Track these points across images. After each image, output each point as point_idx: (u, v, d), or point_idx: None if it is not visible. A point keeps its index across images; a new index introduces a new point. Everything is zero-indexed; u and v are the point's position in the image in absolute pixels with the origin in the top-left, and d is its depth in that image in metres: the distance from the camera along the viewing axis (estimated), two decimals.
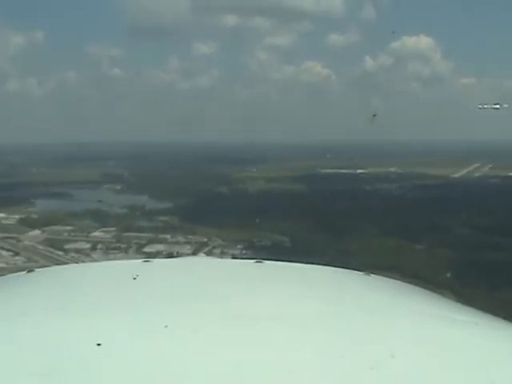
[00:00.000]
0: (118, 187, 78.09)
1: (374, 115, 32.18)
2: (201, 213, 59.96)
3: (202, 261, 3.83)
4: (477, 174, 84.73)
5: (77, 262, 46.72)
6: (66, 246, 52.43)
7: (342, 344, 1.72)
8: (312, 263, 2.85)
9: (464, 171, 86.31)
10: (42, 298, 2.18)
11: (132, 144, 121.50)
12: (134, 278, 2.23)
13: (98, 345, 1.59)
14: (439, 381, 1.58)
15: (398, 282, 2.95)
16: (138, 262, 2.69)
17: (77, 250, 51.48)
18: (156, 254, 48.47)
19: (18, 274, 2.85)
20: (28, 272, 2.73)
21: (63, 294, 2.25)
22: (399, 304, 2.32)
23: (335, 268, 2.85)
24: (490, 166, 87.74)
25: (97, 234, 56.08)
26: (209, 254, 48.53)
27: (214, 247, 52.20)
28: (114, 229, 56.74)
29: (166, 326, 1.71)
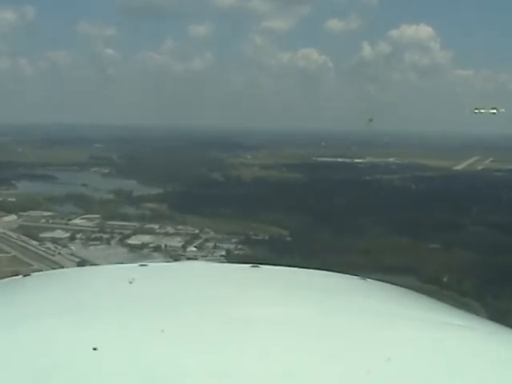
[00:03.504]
0: (106, 171, 75.13)
1: (371, 120, 31.75)
2: (192, 201, 55.99)
3: (198, 265, 3.43)
4: (480, 167, 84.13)
5: (53, 255, 44.23)
6: (42, 235, 48.18)
7: (338, 348, 1.75)
8: (310, 268, 2.75)
9: (465, 164, 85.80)
10: (37, 303, 2.18)
11: (123, 127, 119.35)
12: (130, 282, 2.21)
13: (94, 349, 1.62)
14: None
15: (395, 287, 2.86)
16: (134, 266, 2.66)
17: (53, 240, 47.22)
18: (141, 247, 45.41)
19: (13, 278, 2.77)
20: (24, 276, 2.72)
21: (59, 298, 2.26)
22: (396, 308, 2.33)
23: (331, 272, 2.80)
24: (491, 159, 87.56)
25: (77, 221, 52.00)
26: (200, 247, 45.20)
27: (206, 240, 48.13)
28: (97, 216, 52.88)
29: (162, 331, 1.73)
